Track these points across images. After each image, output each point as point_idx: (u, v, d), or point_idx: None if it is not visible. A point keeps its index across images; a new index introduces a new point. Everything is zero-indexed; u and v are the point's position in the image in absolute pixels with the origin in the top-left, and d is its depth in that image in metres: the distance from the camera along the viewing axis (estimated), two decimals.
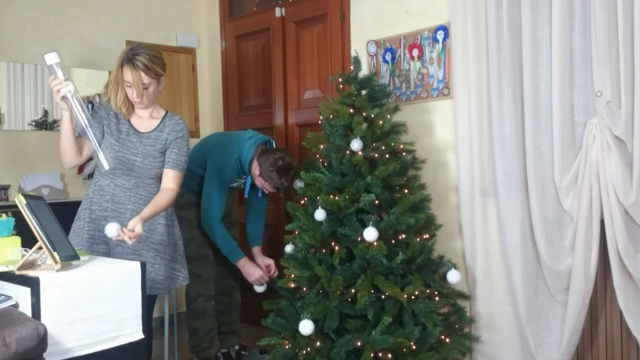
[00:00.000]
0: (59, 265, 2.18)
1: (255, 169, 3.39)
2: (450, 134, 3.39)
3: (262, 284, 3.48)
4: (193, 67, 4.99)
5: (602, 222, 2.82)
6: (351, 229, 2.99)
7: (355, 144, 3.02)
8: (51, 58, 2.56)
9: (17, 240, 2.42)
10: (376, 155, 3.07)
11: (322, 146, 3.19)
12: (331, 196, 3.01)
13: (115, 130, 2.73)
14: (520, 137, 3.06)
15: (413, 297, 2.91)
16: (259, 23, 4.60)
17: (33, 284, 2.09)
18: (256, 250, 3.65)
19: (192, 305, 3.58)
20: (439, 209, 3.37)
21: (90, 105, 4.49)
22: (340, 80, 3.27)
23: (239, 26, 4.80)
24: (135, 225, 2.48)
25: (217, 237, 3.41)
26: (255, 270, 3.45)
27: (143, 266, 2.39)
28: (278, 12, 4.40)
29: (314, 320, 2.88)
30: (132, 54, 2.69)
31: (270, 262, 3.56)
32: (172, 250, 2.85)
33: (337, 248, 3.01)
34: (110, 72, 4.53)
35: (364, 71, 3.55)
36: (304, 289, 3.05)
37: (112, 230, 2.47)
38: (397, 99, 3.65)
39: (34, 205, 2.24)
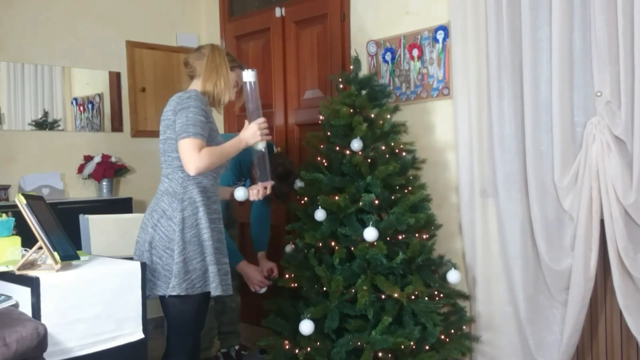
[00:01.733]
0: (59, 265, 2.18)
1: (256, 173, 3.30)
2: (450, 134, 3.39)
3: (261, 288, 3.43)
4: None
5: (602, 222, 2.82)
6: (351, 229, 2.99)
7: (355, 144, 3.02)
8: (249, 76, 2.56)
9: (17, 240, 2.42)
10: (376, 155, 3.07)
11: (322, 146, 3.19)
12: (331, 196, 3.01)
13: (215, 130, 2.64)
14: (520, 137, 3.06)
15: (413, 297, 2.91)
16: (259, 23, 4.60)
17: (33, 284, 2.10)
18: (260, 255, 3.57)
19: None
20: (439, 209, 3.37)
21: (90, 106, 4.50)
22: (340, 80, 3.27)
23: (239, 26, 4.79)
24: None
25: None
26: (255, 275, 3.38)
27: (143, 266, 2.39)
28: (278, 12, 4.40)
29: (314, 320, 2.87)
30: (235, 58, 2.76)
31: (272, 265, 3.50)
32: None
33: (337, 248, 3.01)
34: (109, 72, 4.55)
35: (364, 71, 3.54)
36: (304, 289, 3.05)
37: (241, 193, 2.56)
38: (397, 99, 3.65)
39: (34, 205, 2.24)
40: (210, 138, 2.49)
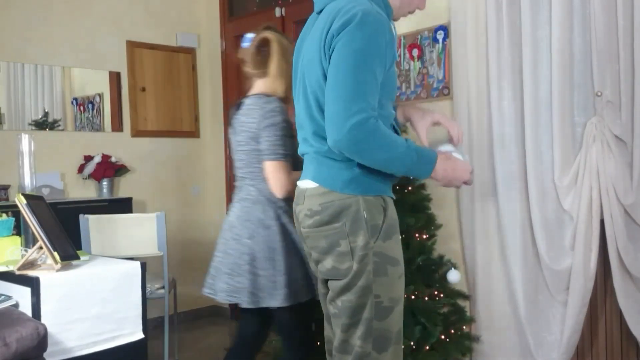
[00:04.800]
0: (59, 265, 2.18)
1: None
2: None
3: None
4: (193, 67, 4.99)
5: (602, 222, 2.82)
6: None
7: None
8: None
9: (17, 240, 2.42)
10: None
11: None
12: None
13: None
14: (520, 137, 3.06)
15: (413, 297, 2.91)
16: (259, 23, 4.57)
17: (33, 283, 2.10)
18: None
19: None
20: (439, 209, 3.37)
21: (90, 106, 4.50)
22: None
23: (239, 26, 4.79)
24: None
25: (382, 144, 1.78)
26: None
27: (143, 266, 2.39)
28: (278, 12, 4.40)
29: (314, 321, 2.87)
30: None
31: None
32: None
33: None
34: (109, 72, 4.55)
35: None
36: None
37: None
38: (397, 98, 3.65)
39: (34, 205, 2.24)
40: None
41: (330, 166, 1.83)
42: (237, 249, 2.41)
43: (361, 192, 1.82)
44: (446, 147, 2.09)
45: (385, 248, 1.84)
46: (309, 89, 1.85)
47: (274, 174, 2.36)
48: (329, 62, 1.75)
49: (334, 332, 1.91)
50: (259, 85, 2.52)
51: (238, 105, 2.53)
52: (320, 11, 1.96)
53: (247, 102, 2.47)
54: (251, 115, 2.40)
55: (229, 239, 2.45)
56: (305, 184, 1.91)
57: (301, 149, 1.96)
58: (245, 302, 2.37)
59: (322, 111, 1.79)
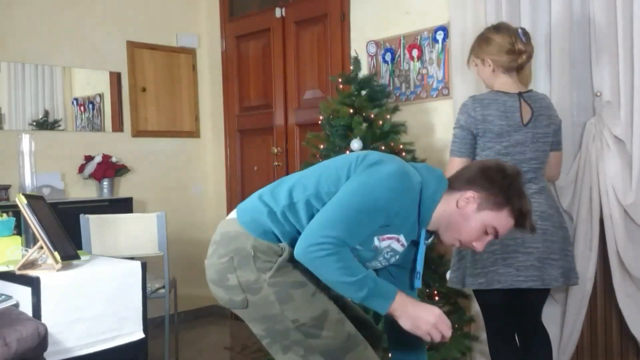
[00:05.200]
0: (59, 265, 2.19)
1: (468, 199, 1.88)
2: (450, 134, 3.38)
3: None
4: (193, 67, 5.00)
5: (601, 222, 2.82)
6: None
7: (355, 144, 3.02)
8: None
9: (18, 240, 2.43)
10: None
11: (322, 146, 3.19)
12: None
13: None
14: None
15: None
16: (259, 23, 4.60)
17: (34, 283, 2.10)
18: None
19: None
20: None
21: (91, 106, 4.51)
22: (340, 80, 3.28)
23: (239, 26, 4.80)
24: None
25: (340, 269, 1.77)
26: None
27: (143, 266, 2.39)
28: (278, 12, 4.40)
29: None
30: None
31: None
32: None
33: None
34: (110, 72, 4.55)
35: (363, 71, 3.55)
36: None
37: None
38: (397, 99, 3.65)
39: (35, 205, 2.25)
40: None
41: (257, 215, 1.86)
42: (562, 234, 2.52)
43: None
44: None
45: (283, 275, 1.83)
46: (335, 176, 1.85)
47: (560, 162, 2.72)
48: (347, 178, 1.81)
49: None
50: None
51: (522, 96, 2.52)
52: None
53: (538, 95, 2.58)
54: (550, 110, 2.58)
55: (550, 227, 2.47)
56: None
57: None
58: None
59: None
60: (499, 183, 1.83)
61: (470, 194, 1.83)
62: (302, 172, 1.98)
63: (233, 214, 1.94)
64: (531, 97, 2.52)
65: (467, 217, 1.84)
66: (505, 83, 2.52)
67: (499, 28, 2.55)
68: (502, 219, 1.83)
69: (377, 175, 1.78)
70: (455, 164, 2.46)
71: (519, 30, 2.52)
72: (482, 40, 2.56)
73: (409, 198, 1.80)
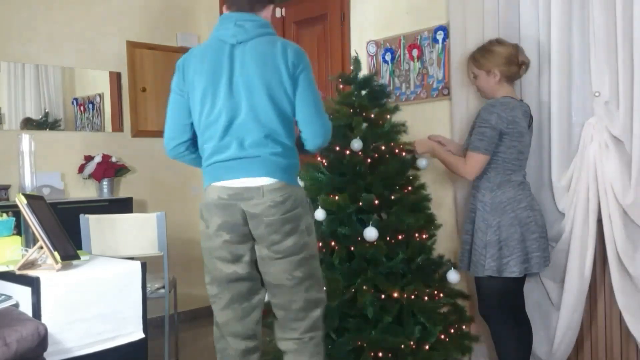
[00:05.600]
0: (59, 265, 2.19)
1: (270, 14, 2.64)
2: (450, 134, 3.39)
3: None
4: None
5: (600, 222, 2.82)
6: (351, 228, 2.99)
7: (356, 144, 3.02)
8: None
9: (18, 240, 2.43)
10: (376, 155, 3.08)
11: None
12: (331, 196, 3.02)
13: None
14: None
15: (413, 296, 2.91)
16: None
17: (34, 283, 2.10)
18: None
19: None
20: (439, 209, 3.38)
21: (90, 106, 4.51)
22: (340, 80, 3.28)
23: None
24: None
25: None
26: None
27: (143, 266, 2.39)
28: (278, 12, 4.40)
29: None
30: None
31: None
32: None
33: (337, 248, 3.01)
34: (110, 72, 4.55)
35: (364, 71, 3.55)
36: None
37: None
38: (397, 99, 3.65)
39: (35, 205, 2.25)
40: None
41: (285, 165, 2.30)
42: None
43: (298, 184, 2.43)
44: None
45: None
46: (277, 100, 2.28)
47: None
48: (295, 84, 2.31)
49: (283, 305, 2.37)
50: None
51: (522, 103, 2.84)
52: (240, 43, 2.34)
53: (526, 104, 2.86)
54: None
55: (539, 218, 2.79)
56: (260, 181, 2.26)
57: (239, 151, 2.27)
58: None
59: (281, 118, 2.28)
60: None
61: None
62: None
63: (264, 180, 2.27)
64: (527, 105, 2.85)
65: None
66: (510, 91, 2.82)
67: (501, 42, 2.82)
68: None
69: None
70: (481, 161, 2.73)
71: (518, 45, 2.83)
72: (487, 52, 2.79)
73: None
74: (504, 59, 2.76)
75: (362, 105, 3.13)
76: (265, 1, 2.55)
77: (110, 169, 4.34)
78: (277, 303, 2.39)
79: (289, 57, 2.34)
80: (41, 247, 2.21)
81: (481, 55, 2.82)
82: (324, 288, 2.47)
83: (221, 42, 2.34)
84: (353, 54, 3.47)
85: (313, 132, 2.34)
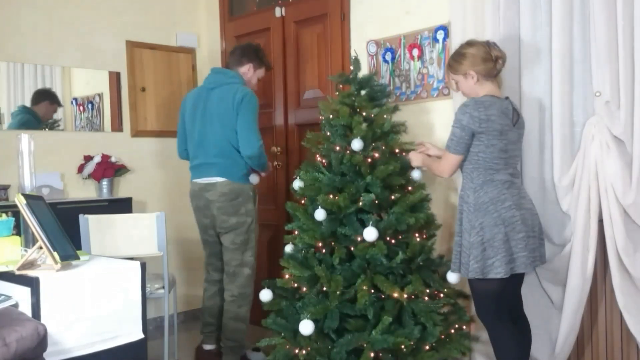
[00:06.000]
0: (59, 265, 2.19)
1: (249, 70, 3.73)
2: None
3: None
4: (193, 67, 4.99)
5: (601, 222, 2.82)
6: (351, 228, 2.99)
7: (355, 144, 3.02)
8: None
9: (17, 240, 2.42)
10: (376, 155, 3.07)
11: (322, 146, 3.19)
12: (331, 196, 3.01)
13: None
14: None
15: (413, 297, 2.91)
16: (259, 23, 4.60)
17: (33, 283, 2.10)
18: None
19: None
20: (439, 209, 3.37)
21: (90, 106, 4.50)
22: (340, 80, 3.27)
23: (239, 26, 4.80)
24: None
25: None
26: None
27: (143, 266, 2.39)
28: (278, 12, 4.40)
29: (314, 320, 2.88)
30: None
31: None
32: None
33: (337, 248, 3.01)
34: (109, 72, 4.55)
35: (364, 71, 3.55)
36: (304, 289, 3.05)
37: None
38: (397, 98, 3.65)
39: (34, 205, 2.25)
40: None
41: (233, 169, 3.56)
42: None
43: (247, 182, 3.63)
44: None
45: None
46: (226, 127, 3.52)
47: None
48: (237, 114, 3.49)
49: (228, 261, 3.63)
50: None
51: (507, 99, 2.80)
52: (213, 88, 3.62)
53: (513, 102, 2.83)
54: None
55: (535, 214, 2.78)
56: (216, 179, 3.56)
57: (205, 159, 3.60)
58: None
59: (231, 139, 3.52)
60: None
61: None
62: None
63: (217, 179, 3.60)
64: (512, 102, 2.79)
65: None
66: (493, 89, 2.76)
67: (471, 42, 2.80)
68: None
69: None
70: (451, 160, 2.77)
71: (489, 41, 2.79)
72: (460, 57, 2.78)
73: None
74: (478, 59, 2.72)
75: (362, 105, 3.13)
76: (244, 61, 3.69)
77: (109, 169, 4.34)
78: (225, 260, 3.64)
79: (237, 97, 3.47)
80: (40, 247, 2.21)
81: (455, 61, 2.79)
82: (255, 254, 3.68)
83: (203, 87, 3.68)
84: (353, 53, 3.47)
85: (243, 145, 3.48)
